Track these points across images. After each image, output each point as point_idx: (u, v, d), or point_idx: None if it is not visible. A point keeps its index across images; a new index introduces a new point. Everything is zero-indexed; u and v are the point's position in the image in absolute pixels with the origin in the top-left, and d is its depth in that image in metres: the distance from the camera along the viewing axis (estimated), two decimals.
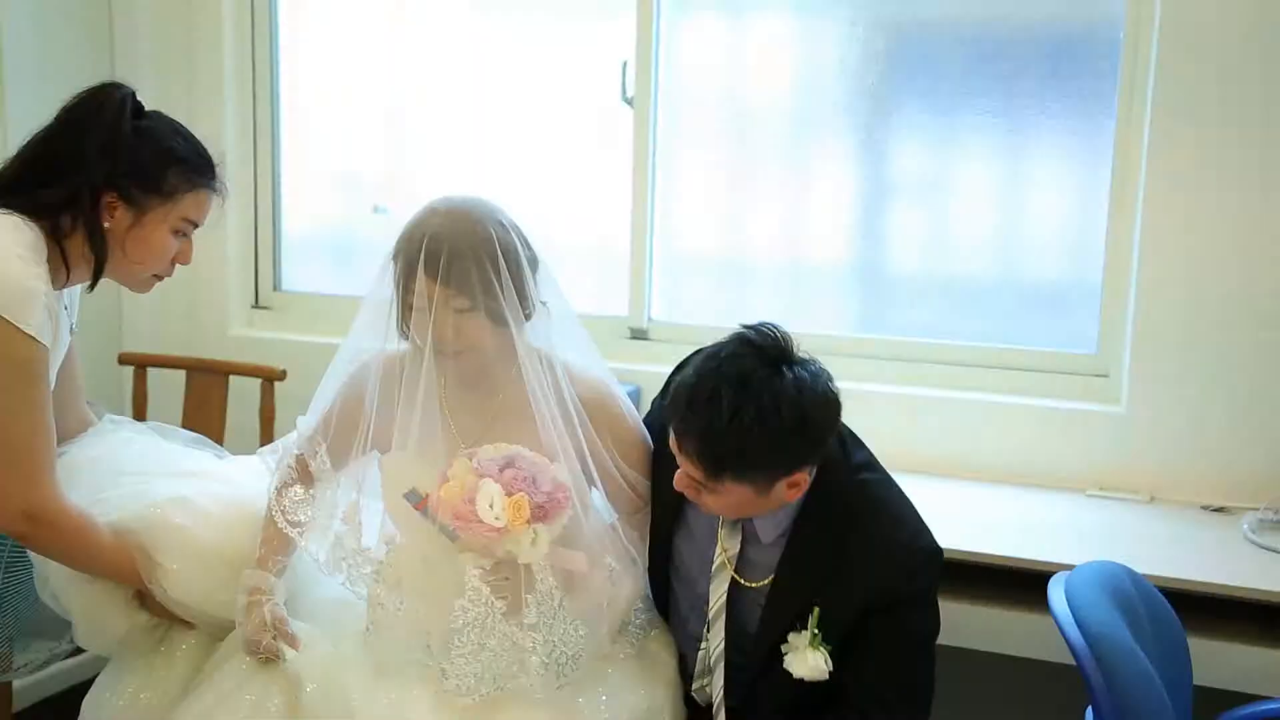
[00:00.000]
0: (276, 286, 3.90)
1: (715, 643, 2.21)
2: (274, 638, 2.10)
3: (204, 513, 2.25)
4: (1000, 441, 3.09)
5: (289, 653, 2.10)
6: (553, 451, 2.17)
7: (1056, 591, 2.06)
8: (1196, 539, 2.70)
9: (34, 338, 2.01)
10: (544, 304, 2.22)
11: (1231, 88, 2.85)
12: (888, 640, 2.08)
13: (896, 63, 3.26)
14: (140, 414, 3.49)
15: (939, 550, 2.11)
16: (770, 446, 1.98)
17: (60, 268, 2.12)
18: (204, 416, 3.43)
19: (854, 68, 3.27)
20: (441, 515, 2.10)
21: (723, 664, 2.20)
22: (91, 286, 2.22)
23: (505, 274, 2.12)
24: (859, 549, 2.06)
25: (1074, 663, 1.96)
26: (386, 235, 3.77)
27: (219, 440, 3.40)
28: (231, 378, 3.43)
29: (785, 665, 2.09)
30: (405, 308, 2.16)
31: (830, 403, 2.03)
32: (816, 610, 2.07)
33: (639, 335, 3.49)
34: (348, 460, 2.25)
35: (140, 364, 3.47)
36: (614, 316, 3.50)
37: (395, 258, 2.17)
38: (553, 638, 2.11)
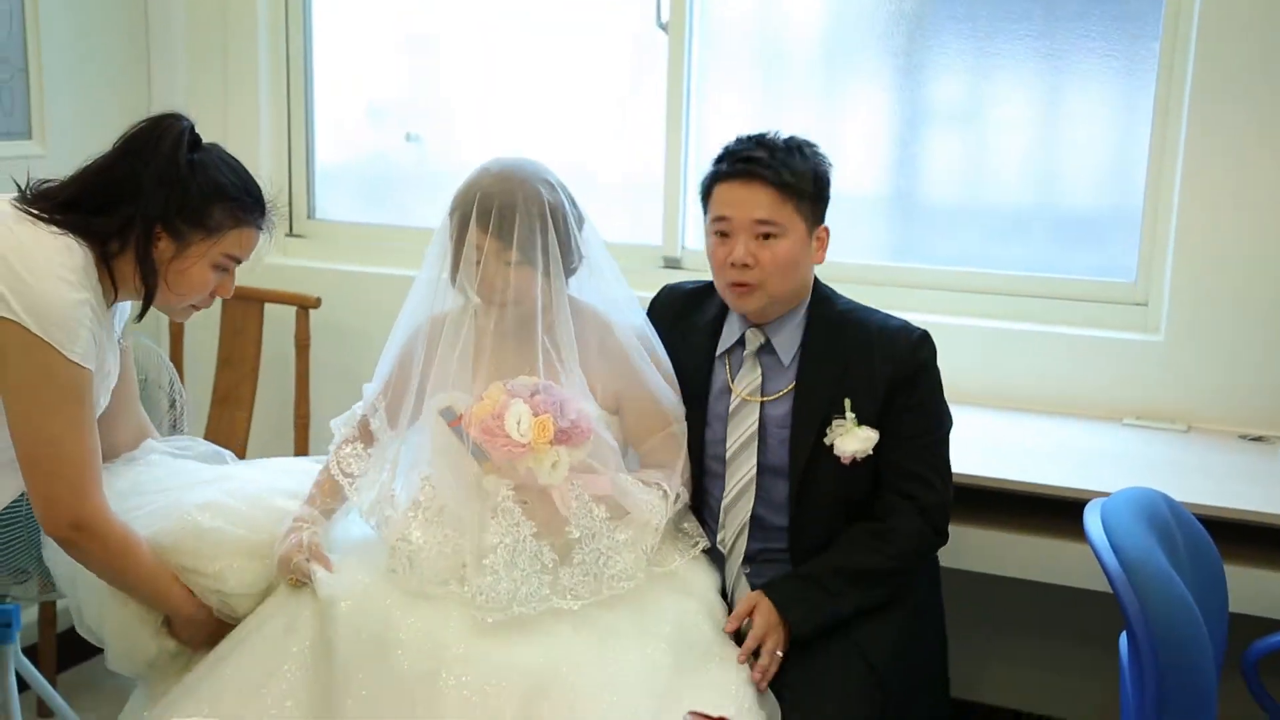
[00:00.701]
0: (310, 215, 3.90)
1: (739, 478, 2.39)
2: (306, 559, 2.18)
3: (232, 510, 2.30)
4: (1037, 370, 3.07)
5: (321, 574, 2.16)
6: (585, 393, 2.31)
7: (1093, 518, 2.05)
8: (1234, 467, 2.68)
9: (78, 364, 2.06)
10: (586, 259, 2.39)
11: None
12: (915, 420, 2.35)
13: None
14: (177, 342, 3.52)
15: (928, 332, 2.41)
16: (816, 168, 2.37)
17: (109, 288, 2.16)
18: (240, 344, 3.46)
19: None
20: (471, 431, 2.18)
21: (752, 491, 2.39)
22: (140, 317, 2.26)
23: (551, 230, 2.28)
24: (864, 340, 2.37)
25: (1110, 590, 1.95)
26: (419, 163, 3.83)
27: (255, 368, 3.44)
28: (267, 305, 3.46)
29: (835, 451, 2.32)
30: (458, 261, 2.30)
31: None
32: (847, 400, 2.32)
33: (672, 264, 3.47)
34: (400, 418, 2.36)
35: None
36: (648, 245, 3.49)
37: (451, 215, 2.32)
38: (598, 546, 2.21)
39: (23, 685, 2.64)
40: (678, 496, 2.38)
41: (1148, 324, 3.05)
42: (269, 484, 2.42)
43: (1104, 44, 3.06)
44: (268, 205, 2.27)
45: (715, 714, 2.06)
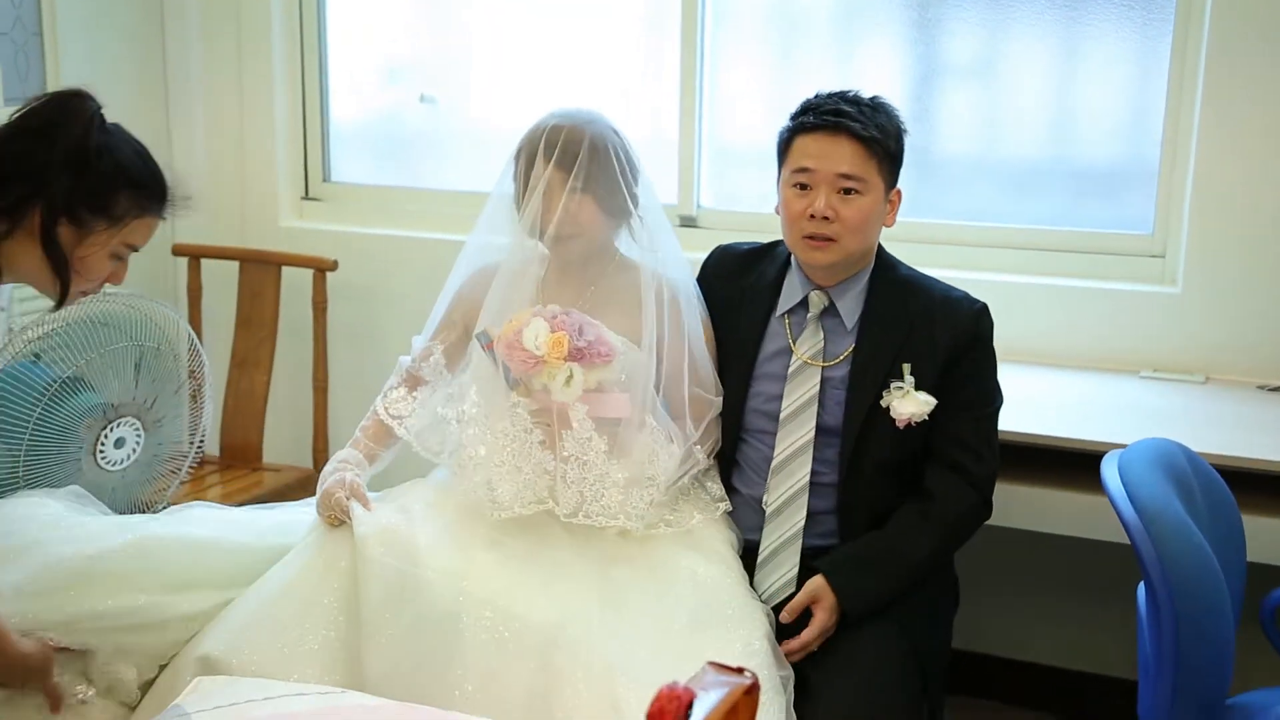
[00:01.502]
0: (326, 178, 3.89)
1: (794, 439, 2.37)
2: (347, 498, 2.26)
3: (182, 541, 2.24)
4: (1054, 323, 3.07)
5: (359, 510, 2.24)
6: (635, 339, 2.37)
7: (1110, 468, 2.06)
8: (1252, 418, 2.68)
9: None
10: (641, 216, 2.45)
11: None
12: (971, 391, 2.35)
13: None
14: (195, 305, 3.54)
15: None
16: (899, 128, 2.36)
17: None
18: (258, 307, 3.47)
19: None
20: (498, 349, 2.30)
21: (809, 453, 2.36)
22: (57, 306, 2.12)
23: (614, 169, 2.36)
24: (926, 307, 2.37)
25: (1127, 541, 1.96)
26: (434, 125, 3.82)
27: (273, 330, 3.45)
28: (284, 268, 3.47)
29: (892, 414, 2.31)
30: (521, 198, 2.38)
31: None
32: (907, 366, 2.32)
33: (688, 223, 3.47)
34: (462, 359, 2.45)
35: (194, 255, 3.52)
36: (663, 205, 3.47)
37: (516, 158, 2.41)
38: (588, 475, 2.27)
39: None
40: (696, 463, 2.39)
41: (1165, 276, 3.04)
42: (204, 526, 2.34)
43: None
44: (169, 192, 2.13)
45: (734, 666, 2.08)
